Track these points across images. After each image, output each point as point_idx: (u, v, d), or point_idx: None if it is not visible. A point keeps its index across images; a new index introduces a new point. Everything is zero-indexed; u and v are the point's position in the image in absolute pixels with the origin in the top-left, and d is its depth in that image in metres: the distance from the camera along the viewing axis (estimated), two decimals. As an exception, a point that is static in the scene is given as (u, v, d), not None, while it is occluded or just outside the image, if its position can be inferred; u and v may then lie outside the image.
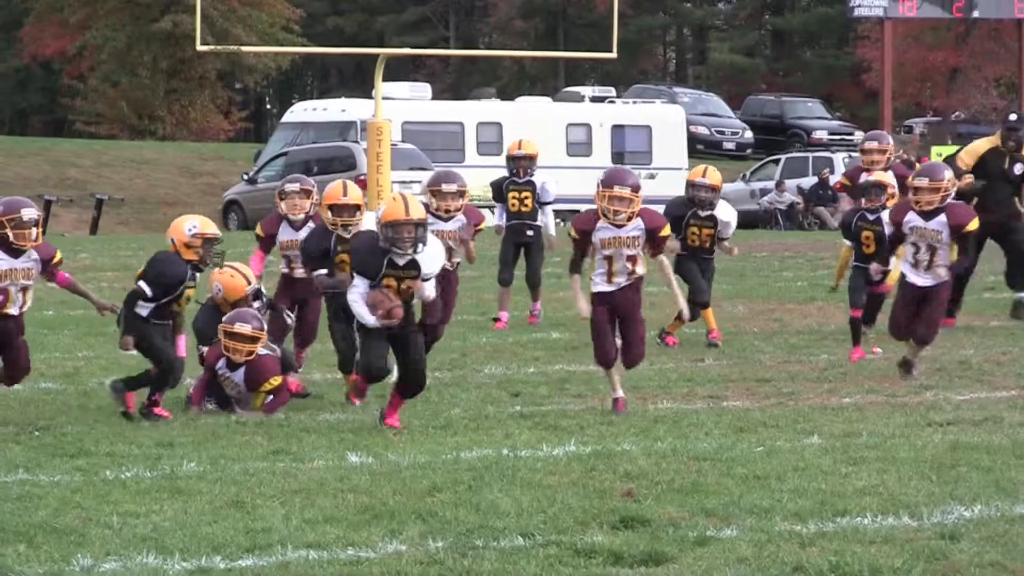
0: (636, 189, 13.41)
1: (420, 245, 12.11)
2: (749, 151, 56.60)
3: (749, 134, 57.61)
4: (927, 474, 9.79)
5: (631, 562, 7.67)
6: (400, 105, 43.83)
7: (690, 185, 17.75)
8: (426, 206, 14.64)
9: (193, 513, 9.47)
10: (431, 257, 12.32)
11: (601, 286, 13.11)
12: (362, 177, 33.89)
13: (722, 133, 57.45)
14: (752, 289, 25.00)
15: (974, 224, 14.49)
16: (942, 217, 14.01)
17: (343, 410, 13.67)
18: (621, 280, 13.08)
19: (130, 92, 66.47)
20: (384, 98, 38.22)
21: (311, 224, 15.09)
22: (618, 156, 43.51)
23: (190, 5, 42.63)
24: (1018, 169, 20.75)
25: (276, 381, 13.62)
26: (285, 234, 15.48)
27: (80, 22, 65.58)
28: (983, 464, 10.10)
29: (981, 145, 21.43)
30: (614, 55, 37.62)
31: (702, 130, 54.37)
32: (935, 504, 8.75)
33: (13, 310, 13.30)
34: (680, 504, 8.97)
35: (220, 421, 13.18)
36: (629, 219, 12.99)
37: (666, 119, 47.44)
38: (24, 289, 13.54)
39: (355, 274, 12.42)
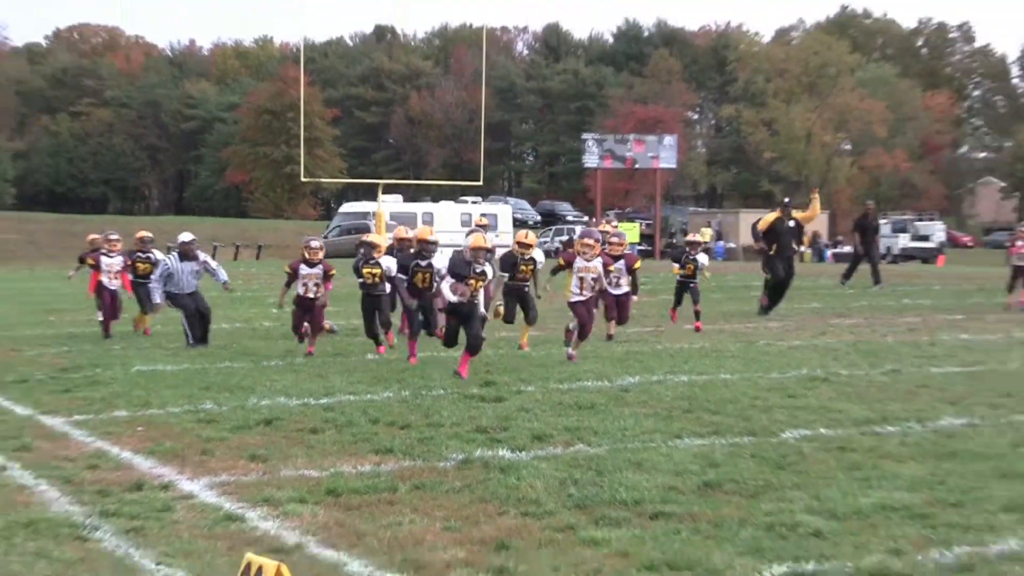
0: (597, 240, 19.93)
1: (488, 263, 18.15)
2: (539, 225, 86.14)
3: (539, 217, 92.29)
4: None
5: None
6: (389, 204, 70.37)
7: (517, 243, 21.17)
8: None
9: (301, 379, 16.78)
10: (490, 270, 18.16)
11: (577, 296, 19.43)
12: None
13: (526, 217, 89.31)
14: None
15: (638, 264, 22.88)
16: (622, 263, 21.40)
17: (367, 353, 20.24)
18: (587, 292, 19.38)
19: (272, 197, 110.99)
20: (383, 201, 66.84)
21: (320, 265, 20.80)
22: (483, 228, 65.78)
23: (296, 159, 76.29)
24: (791, 223, 28.77)
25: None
26: (304, 269, 20.82)
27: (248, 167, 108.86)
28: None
29: (770, 217, 29.28)
30: (481, 183, 68.76)
31: (518, 215, 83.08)
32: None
33: (311, 295, 20.66)
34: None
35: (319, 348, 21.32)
36: (592, 258, 19.28)
37: (503, 211, 75.27)
38: (317, 285, 20.68)
39: (450, 274, 17.77)
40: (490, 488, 10.34)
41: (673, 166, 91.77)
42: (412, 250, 20.68)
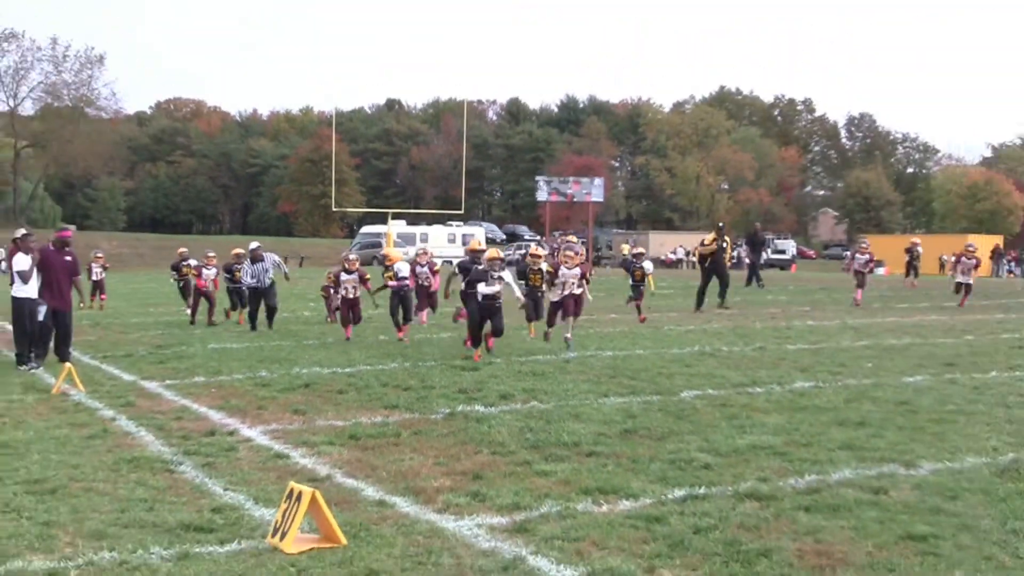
0: (579, 253, 18.91)
1: (502, 271, 17.19)
2: (504, 242, 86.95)
3: (504, 236, 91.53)
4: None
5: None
6: (396, 227, 72.83)
7: (529, 255, 20.07)
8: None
9: (332, 354, 17.23)
10: (507, 275, 17.29)
11: (557, 297, 18.07)
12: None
13: (495, 236, 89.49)
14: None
15: (589, 273, 20.34)
16: (578, 270, 18.18)
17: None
18: (567, 292, 17.97)
19: (312, 221, 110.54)
20: (392, 224, 70.66)
21: (356, 272, 20.15)
22: (467, 243, 59.66)
23: (329, 194, 75.89)
24: (724, 244, 27.99)
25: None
26: (344, 276, 20.44)
27: (294, 200, 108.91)
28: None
29: (709, 237, 28.28)
30: (462, 212, 71.63)
31: (489, 235, 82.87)
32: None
33: (350, 295, 20.13)
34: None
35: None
36: (574, 266, 18.08)
37: (479, 231, 76.48)
38: (355, 287, 20.12)
39: (476, 280, 17.15)
40: (469, 434, 10.30)
41: (601, 199, 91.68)
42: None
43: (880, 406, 12.00)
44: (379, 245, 63.70)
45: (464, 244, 68.27)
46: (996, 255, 64.45)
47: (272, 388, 13.37)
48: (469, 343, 17.32)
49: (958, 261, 30.11)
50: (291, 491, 6.82)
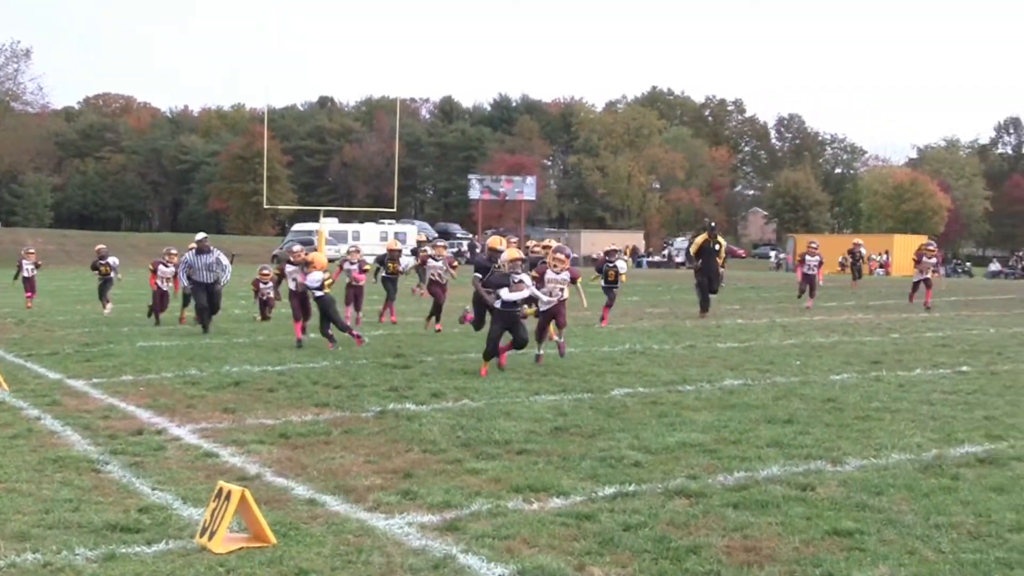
0: (568, 256, 16.97)
1: (523, 273, 15.31)
2: (436, 240, 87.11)
3: (436, 234, 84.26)
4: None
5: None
6: (328, 225, 71.56)
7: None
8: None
9: (262, 353, 13.69)
10: (527, 279, 15.31)
11: (546, 304, 15.72)
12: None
13: (427, 234, 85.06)
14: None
15: (579, 279, 16.74)
16: (566, 274, 16.14)
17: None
18: (554, 299, 15.84)
19: (243, 219, 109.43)
20: (323, 222, 69.33)
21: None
22: (399, 241, 67.75)
23: (260, 192, 75.31)
24: (717, 247, 25.69)
25: None
26: (289, 268, 19.52)
27: (225, 197, 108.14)
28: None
29: (700, 239, 26.07)
30: (395, 210, 68.98)
31: (421, 233, 78.03)
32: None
33: (300, 289, 18.77)
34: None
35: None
36: (562, 271, 16.16)
37: (411, 230, 72.82)
38: (295, 279, 18.98)
39: (496, 286, 15.15)
40: (400, 432, 10.24)
41: (533, 198, 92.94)
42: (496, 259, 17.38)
43: (808, 403, 12.12)
44: (311, 243, 63.23)
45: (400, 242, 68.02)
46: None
47: (201, 386, 13.22)
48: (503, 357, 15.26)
49: (919, 260, 30.15)
50: (220, 490, 6.75)
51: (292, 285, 19.09)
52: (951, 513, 7.42)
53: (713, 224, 27.43)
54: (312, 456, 9.18)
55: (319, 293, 18.15)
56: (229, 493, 6.65)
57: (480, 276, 15.96)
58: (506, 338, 15.00)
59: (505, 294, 14.99)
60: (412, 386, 13.22)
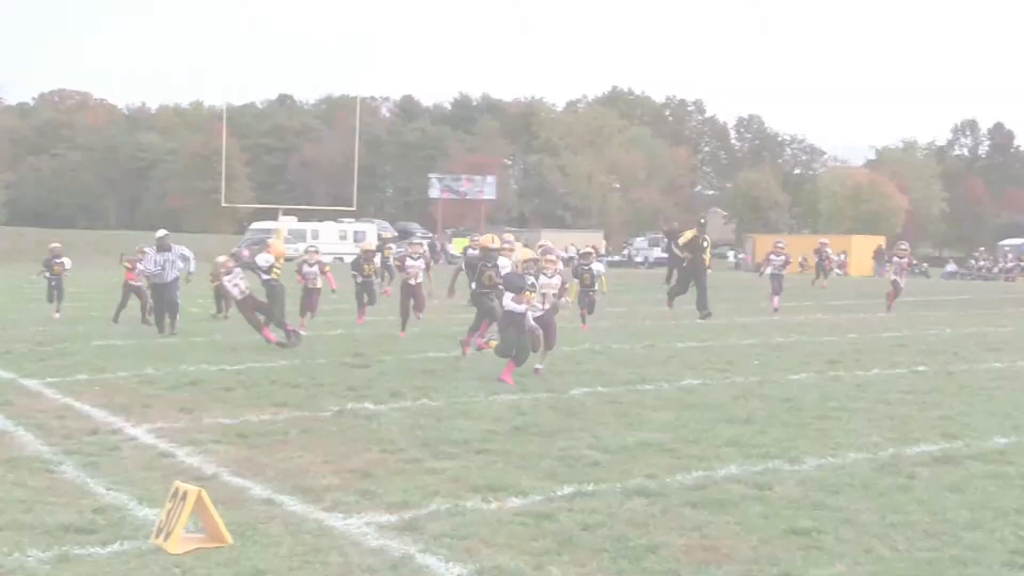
0: (559, 258, 15.86)
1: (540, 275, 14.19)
2: (397, 239, 78.00)
3: (396, 233, 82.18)
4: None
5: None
6: (286, 223, 71.11)
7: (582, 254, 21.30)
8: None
9: (220, 351, 15.51)
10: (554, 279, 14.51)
11: (538, 311, 14.38)
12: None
13: (386, 233, 79.35)
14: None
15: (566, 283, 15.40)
16: (557, 278, 14.56)
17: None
18: (548, 305, 14.50)
19: (201, 217, 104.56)
20: (282, 221, 70.01)
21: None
22: (358, 240, 61.22)
23: (219, 190, 74.71)
24: (705, 243, 24.95)
25: None
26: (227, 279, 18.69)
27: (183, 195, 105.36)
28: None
29: (689, 233, 25.23)
30: (354, 208, 70.46)
31: (381, 232, 74.51)
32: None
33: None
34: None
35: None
36: (554, 274, 14.64)
37: (370, 229, 73.27)
38: (243, 278, 18.49)
39: (506, 290, 14.03)
40: (358, 431, 10.23)
41: (493, 198, 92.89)
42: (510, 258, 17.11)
43: (766, 403, 12.20)
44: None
45: (356, 241, 67.79)
46: (878, 255, 65.76)
47: (158, 386, 13.13)
48: (508, 376, 13.78)
49: (889, 260, 29.72)
50: (176, 490, 6.71)
51: (236, 292, 18.42)
52: (907, 512, 7.49)
53: (703, 221, 26.80)
54: (270, 456, 9.15)
55: (266, 277, 18.04)
56: (185, 493, 6.62)
57: (468, 273, 15.59)
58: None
59: (508, 302, 14.00)
60: (371, 385, 13.19)
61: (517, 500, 7.72)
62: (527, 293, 13.92)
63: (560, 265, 15.48)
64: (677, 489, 8.03)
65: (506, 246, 17.61)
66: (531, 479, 8.32)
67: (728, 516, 7.32)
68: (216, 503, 6.87)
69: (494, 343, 14.63)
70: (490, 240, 16.55)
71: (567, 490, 7.97)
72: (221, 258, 19.74)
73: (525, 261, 14.70)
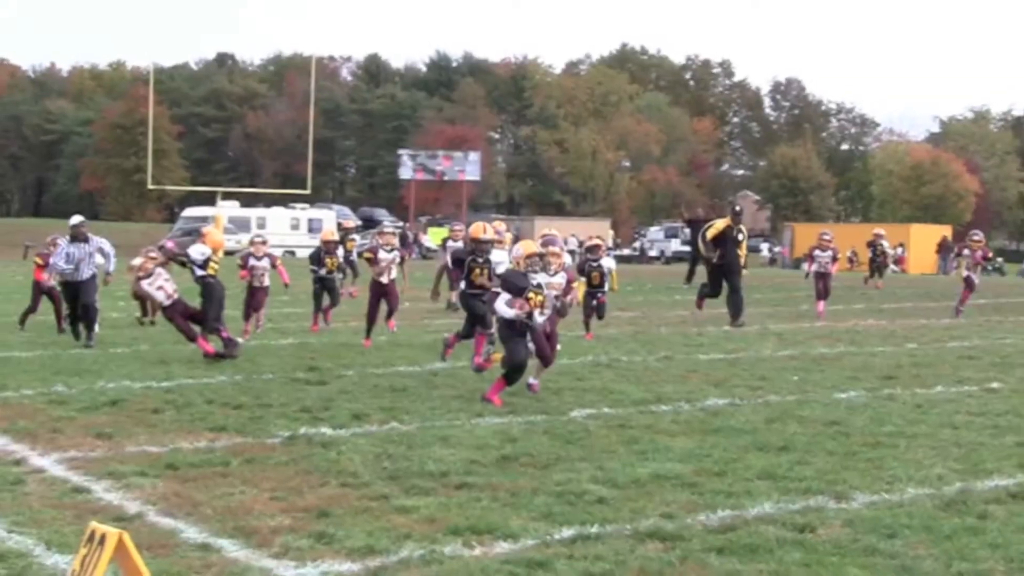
0: (563, 249, 15.17)
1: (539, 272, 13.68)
2: (360, 228, 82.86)
3: (360, 222, 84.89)
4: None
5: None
6: (227, 209, 72.30)
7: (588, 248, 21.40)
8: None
9: (145, 365, 14.68)
10: (562, 277, 14.29)
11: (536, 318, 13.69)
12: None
13: (346, 221, 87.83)
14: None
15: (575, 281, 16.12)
16: (562, 275, 14.23)
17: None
18: (547, 311, 13.88)
19: (122, 202, 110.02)
20: (221, 206, 70.08)
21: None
22: (314, 231, 67.13)
23: (144, 169, 74.74)
24: (740, 236, 25.03)
25: None
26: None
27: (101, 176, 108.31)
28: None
29: (720, 223, 25.14)
30: (308, 192, 70.84)
31: (340, 220, 74.87)
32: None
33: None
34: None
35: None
36: (557, 271, 14.29)
37: (328, 216, 74.52)
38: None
39: (504, 290, 13.65)
40: (313, 462, 10.23)
41: (477, 179, 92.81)
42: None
43: (807, 427, 12.21)
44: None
45: (311, 231, 67.62)
46: (943, 249, 65.72)
47: (70, 407, 13.08)
48: (495, 395, 13.63)
49: (959, 253, 29.49)
50: (92, 533, 6.67)
51: (162, 297, 18.00)
52: (977, 559, 7.47)
53: (739, 208, 26.55)
54: (206, 491, 9.13)
55: (201, 272, 17.89)
56: (103, 537, 6.58)
57: (453, 267, 15.53)
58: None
59: (500, 306, 13.69)
60: (329, 406, 13.18)
61: (506, 544, 7.70)
62: (532, 296, 13.53)
63: (567, 259, 15.23)
64: (699, 532, 8.02)
65: (497, 238, 17.61)
66: (522, 519, 8.31)
67: (761, 564, 7.32)
68: (140, 548, 6.82)
69: (498, 356, 14.44)
70: (481, 230, 16.41)
71: (566, 533, 7.95)
72: (137, 260, 19.52)
73: (528, 256, 13.84)
